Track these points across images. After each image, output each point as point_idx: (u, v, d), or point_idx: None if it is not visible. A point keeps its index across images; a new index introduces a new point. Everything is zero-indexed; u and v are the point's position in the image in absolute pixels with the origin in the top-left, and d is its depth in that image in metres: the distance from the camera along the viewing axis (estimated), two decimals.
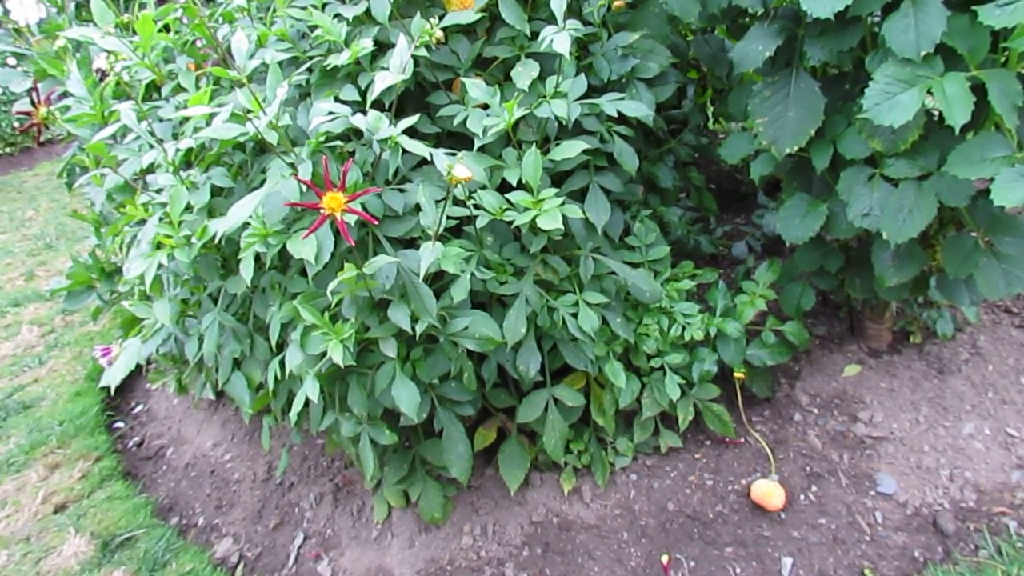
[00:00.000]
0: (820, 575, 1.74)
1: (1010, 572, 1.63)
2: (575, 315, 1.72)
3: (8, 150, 5.95)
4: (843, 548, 1.79)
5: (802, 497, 1.90)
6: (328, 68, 1.57)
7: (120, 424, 2.65)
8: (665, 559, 1.83)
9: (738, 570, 1.78)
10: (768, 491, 1.87)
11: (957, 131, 1.36)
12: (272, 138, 1.41)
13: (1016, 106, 1.38)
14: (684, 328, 1.90)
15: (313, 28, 1.63)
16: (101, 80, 1.77)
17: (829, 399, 2.10)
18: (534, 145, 1.58)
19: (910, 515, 1.83)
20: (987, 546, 1.72)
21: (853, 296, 2.04)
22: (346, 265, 1.36)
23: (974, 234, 1.67)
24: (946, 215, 1.80)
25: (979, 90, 1.39)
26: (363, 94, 1.55)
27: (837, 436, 2.02)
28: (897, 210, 1.59)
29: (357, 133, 1.54)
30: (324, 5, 1.64)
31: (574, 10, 1.76)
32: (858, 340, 2.23)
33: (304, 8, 1.60)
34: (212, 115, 1.43)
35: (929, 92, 1.42)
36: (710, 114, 2.54)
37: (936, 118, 1.64)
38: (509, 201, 1.56)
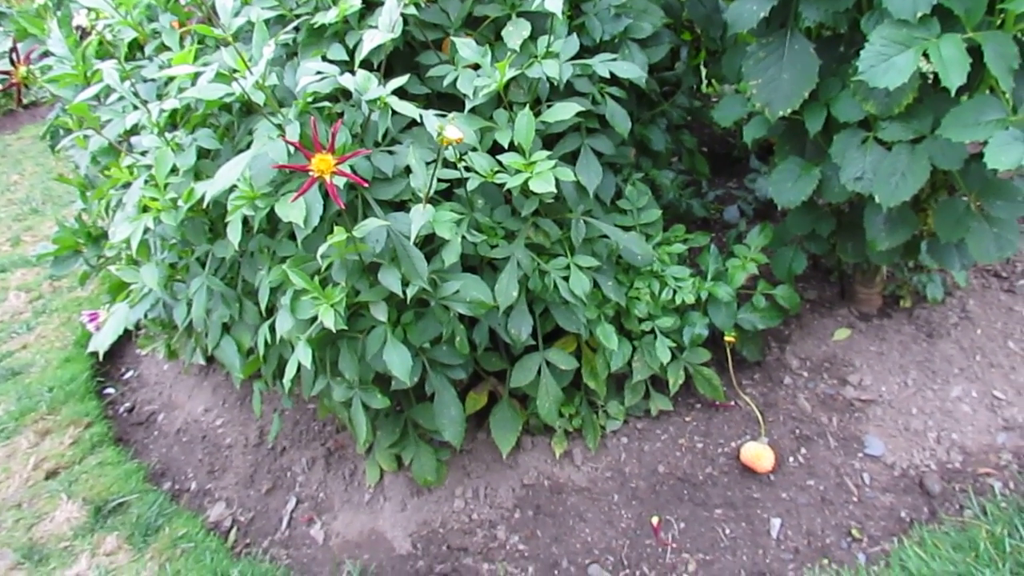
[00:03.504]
0: (808, 535, 1.76)
1: (994, 531, 1.65)
2: (566, 278, 1.71)
3: None
4: (831, 509, 1.81)
5: (791, 459, 1.91)
6: (315, 26, 1.54)
7: (111, 390, 2.64)
8: (655, 520, 1.84)
9: (727, 531, 1.80)
10: (758, 453, 1.88)
11: (952, 94, 1.35)
12: (259, 98, 1.38)
13: (1012, 69, 1.37)
14: (675, 292, 1.90)
15: None
16: (82, 39, 1.73)
17: (819, 363, 2.11)
18: (527, 107, 1.56)
19: (897, 476, 1.85)
20: (972, 506, 1.75)
21: (844, 260, 2.03)
22: (336, 228, 1.35)
23: (966, 198, 1.67)
24: (938, 179, 1.80)
25: (975, 52, 1.37)
26: (351, 54, 1.52)
27: (826, 399, 2.03)
28: (890, 174, 1.59)
29: (345, 94, 1.52)
30: None
31: None
32: (848, 304, 2.24)
33: None
34: (197, 75, 1.40)
35: (925, 54, 1.40)
36: (703, 76, 2.51)
37: (931, 81, 1.62)
38: (500, 163, 1.54)
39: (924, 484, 1.82)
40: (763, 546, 1.76)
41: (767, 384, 2.10)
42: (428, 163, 1.44)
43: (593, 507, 1.90)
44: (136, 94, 1.61)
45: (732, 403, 2.06)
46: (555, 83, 1.60)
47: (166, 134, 1.55)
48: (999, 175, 1.60)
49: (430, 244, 1.54)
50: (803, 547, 1.75)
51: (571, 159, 1.76)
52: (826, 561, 1.71)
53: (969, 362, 2.04)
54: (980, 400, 1.96)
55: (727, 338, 2.02)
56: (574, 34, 1.66)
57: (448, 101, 1.66)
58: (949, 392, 1.99)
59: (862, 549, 1.72)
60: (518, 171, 1.52)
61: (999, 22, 1.47)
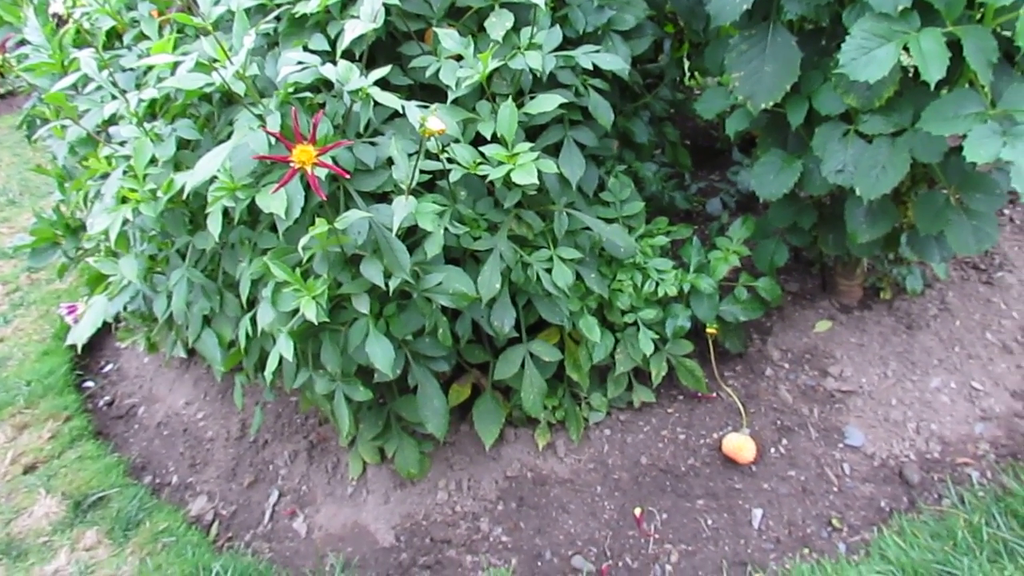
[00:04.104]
0: (789, 525, 1.78)
1: (972, 520, 1.67)
2: (549, 271, 1.71)
3: None
4: (812, 499, 1.82)
5: (772, 450, 1.93)
6: (297, 16, 1.52)
7: (90, 383, 2.62)
8: (638, 512, 1.85)
9: (710, 522, 1.81)
10: (739, 444, 1.89)
11: (932, 87, 1.36)
12: (239, 89, 1.37)
13: (991, 63, 1.38)
14: (658, 284, 1.90)
15: None
16: (59, 27, 1.71)
17: (800, 354, 2.13)
18: (510, 98, 1.55)
19: (877, 466, 1.86)
20: (951, 495, 1.77)
21: (826, 252, 2.05)
22: (317, 220, 1.34)
23: (946, 191, 1.68)
24: (918, 172, 1.81)
25: (955, 46, 1.38)
26: (333, 44, 1.51)
27: (807, 390, 2.04)
28: (871, 166, 1.59)
29: (327, 84, 1.51)
30: None
31: None
32: (830, 296, 2.25)
33: None
34: (176, 64, 1.39)
35: (905, 48, 1.41)
36: (686, 69, 2.51)
37: (911, 74, 1.63)
38: (483, 155, 1.54)
39: (903, 474, 1.83)
40: (745, 536, 1.77)
41: (749, 376, 2.11)
42: (410, 154, 1.44)
43: (576, 499, 1.90)
44: (114, 83, 1.59)
45: (714, 395, 2.07)
46: (538, 75, 1.60)
47: (145, 124, 1.53)
48: (978, 168, 1.61)
49: (412, 236, 1.53)
50: (784, 537, 1.76)
51: (554, 151, 1.76)
52: (807, 551, 1.73)
53: (948, 353, 2.06)
54: (959, 391, 1.98)
55: (709, 330, 2.03)
56: (557, 25, 1.65)
57: (430, 92, 1.65)
58: (928, 383, 2.01)
59: (842, 539, 1.74)
60: (501, 163, 1.52)
61: (979, 16, 1.48)
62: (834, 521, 1.77)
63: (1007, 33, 1.46)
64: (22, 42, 1.74)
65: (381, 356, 1.52)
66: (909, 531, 1.69)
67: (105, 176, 1.59)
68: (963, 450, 1.87)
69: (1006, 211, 2.50)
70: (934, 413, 1.95)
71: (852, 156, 1.64)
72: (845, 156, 1.64)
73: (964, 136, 1.39)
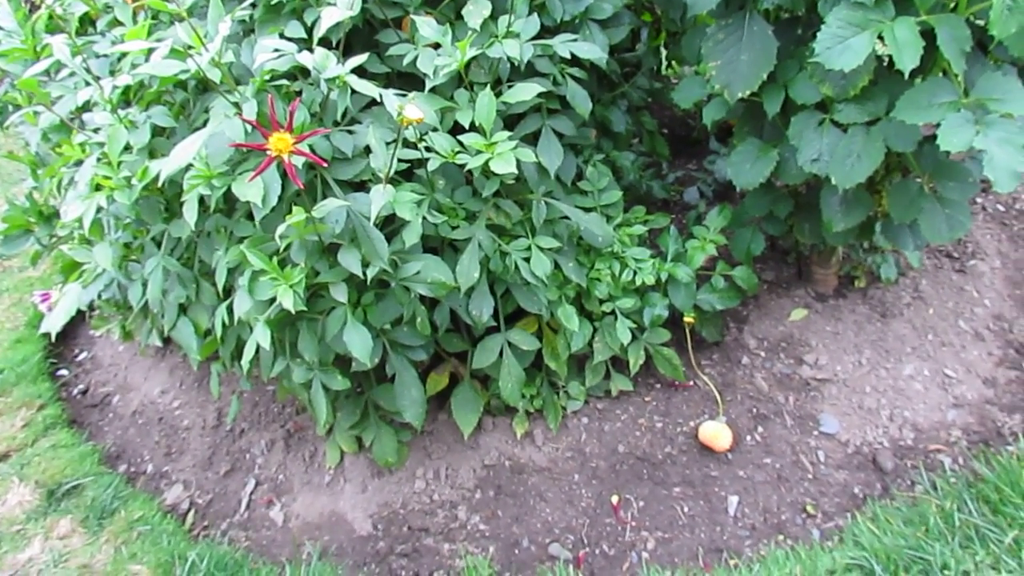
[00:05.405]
0: (764, 512, 1.80)
1: (944, 506, 1.70)
2: (527, 260, 1.72)
3: None
4: (787, 486, 1.84)
5: (748, 438, 1.95)
6: (272, 3, 1.51)
7: (64, 371, 2.59)
8: (615, 500, 1.86)
9: (686, 509, 1.83)
10: (716, 432, 1.91)
11: (906, 76, 1.37)
12: (215, 76, 1.36)
13: (964, 52, 1.39)
14: (636, 273, 1.91)
15: None
16: (32, 12, 1.68)
17: (776, 342, 2.15)
18: (488, 87, 1.55)
19: (851, 453, 1.89)
20: (923, 482, 1.79)
21: (801, 241, 2.06)
22: (294, 208, 1.33)
23: (919, 180, 1.70)
24: (893, 161, 1.83)
25: (928, 35, 1.39)
26: (309, 31, 1.50)
27: (783, 378, 2.06)
28: (846, 155, 1.61)
29: (304, 72, 1.50)
30: None
31: None
32: (805, 285, 2.27)
33: None
34: (151, 51, 1.37)
35: (880, 37, 1.42)
36: (664, 58, 2.51)
37: (886, 63, 1.65)
38: (461, 144, 1.53)
39: (877, 461, 1.86)
40: (721, 523, 1.79)
41: (725, 364, 2.13)
42: (388, 143, 1.43)
43: (554, 487, 1.91)
44: (88, 70, 1.57)
45: (691, 383, 2.09)
46: (516, 63, 1.59)
47: (119, 111, 1.51)
48: (951, 157, 1.63)
49: (390, 225, 1.53)
50: (760, 524, 1.78)
51: (532, 140, 1.76)
52: (782, 537, 1.75)
53: (921, 341, 2.09)
54: (932, 378, 2.01)
55: (687, 319, 2.04)
56: (535, 14, 1.65)
57: (408, 80, 1.65)
58: (902, 370, 2.03)
59: (816, 525, 1.76)
60: (479, 152, 1.52)
61: (952, 5, 1.49)
62: (808, 508, 1.80)
63: (980, 22, 1.47)
64: None
65: (359, 345, 1.52)
66: (882, 517, 1.71)
67: (79, 163, 1.57)
68: (936, 437, 1.90)
69: (979, 199, 2.53)
70: (907, 400, 1.97)
71: (827, 145, 1.65)
72: (820, 145, 1.66)
73: (938, 125, 1.40)
